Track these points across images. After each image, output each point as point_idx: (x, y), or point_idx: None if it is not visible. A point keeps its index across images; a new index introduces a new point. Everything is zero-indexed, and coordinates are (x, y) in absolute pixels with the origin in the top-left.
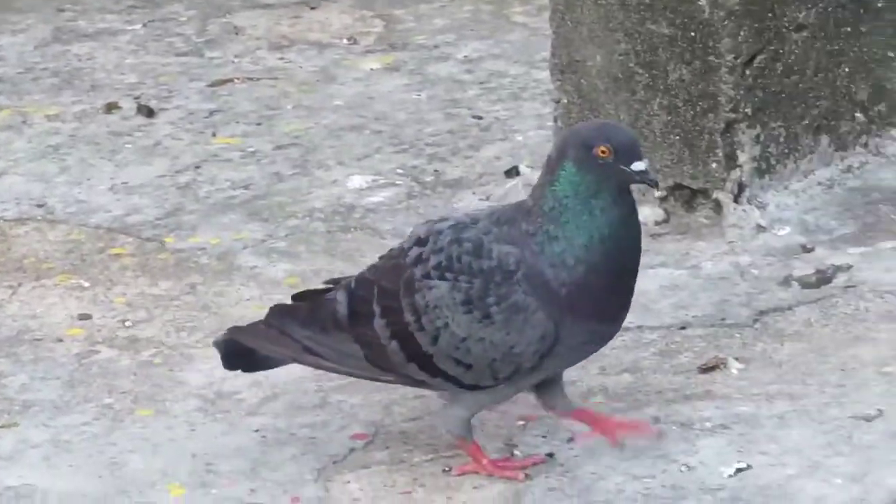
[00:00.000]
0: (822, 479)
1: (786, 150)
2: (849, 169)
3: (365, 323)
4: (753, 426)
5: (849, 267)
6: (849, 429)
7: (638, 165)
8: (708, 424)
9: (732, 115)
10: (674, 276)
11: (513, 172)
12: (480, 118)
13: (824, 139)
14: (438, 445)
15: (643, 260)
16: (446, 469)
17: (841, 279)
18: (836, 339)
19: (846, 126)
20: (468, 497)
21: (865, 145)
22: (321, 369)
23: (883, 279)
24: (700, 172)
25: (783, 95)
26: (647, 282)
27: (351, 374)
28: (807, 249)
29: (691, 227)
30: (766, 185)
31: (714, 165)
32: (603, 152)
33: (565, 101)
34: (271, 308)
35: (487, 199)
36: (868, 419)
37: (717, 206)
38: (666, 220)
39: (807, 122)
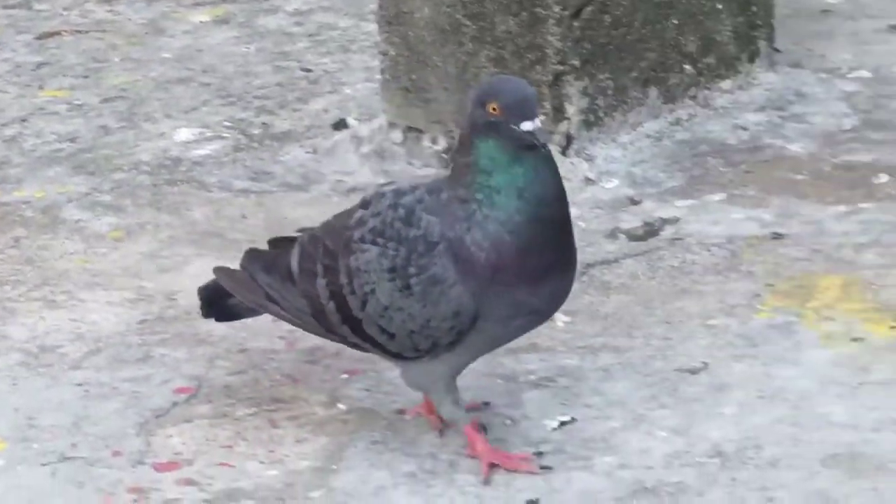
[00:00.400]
0: (646, 431)
1: (614, 103)
2: (677, 121)
3: (310, 280)
4: (578, 379)
5: (676, 220)
6: (673, 381)
7: (526, 125)
8: (532, 377)
9: (560, 68)
10: None
11: (341, 125)
12: (309, 71)
13: (653, 92)
14: (261, 399)
15: None
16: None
17: (668, 232)
18: (662, 292)
19: (675, 78)
20: (290, 451)
21: (694, 98)
22: (282, 320)
23: (709, 232)
24: None
25: (611, 48)
26: None
27: (304, 329)
28: (634, 202)
29: None
30: (594, 138)
31: (542, 118)
32: (493, 110)
33: (393, 53)
34: (246, 251)
35: (315, 152)
36: (693, 372)
37: None
38: None
39: (635, 74)
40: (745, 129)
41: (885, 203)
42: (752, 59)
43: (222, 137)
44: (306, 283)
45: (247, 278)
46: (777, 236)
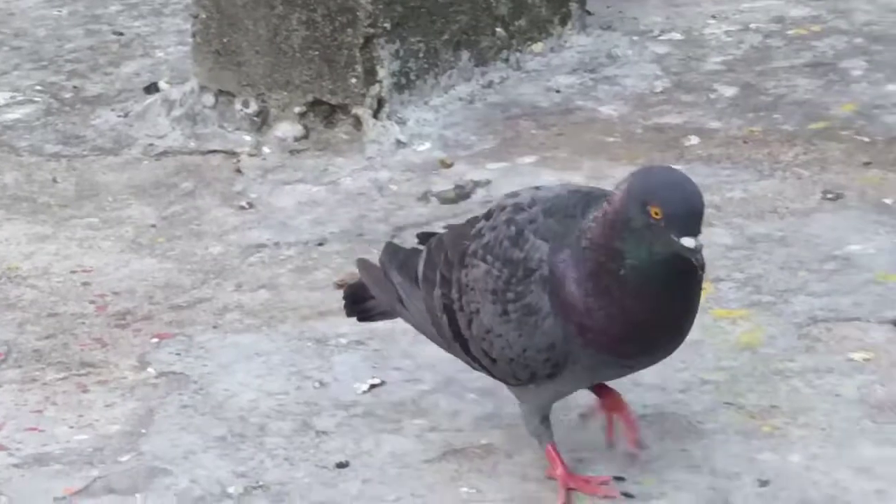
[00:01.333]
0: (456, 394)
1: (426, 66)
2: (489, 84)
3: (429, 289)
4: (388, 342)
5: (487, 182)
6: None
7: (688, 241)
8: (343, 341)
9: (371, 30)
10: (312, 192)
11: (152, 89)
12: (121, 34)
13: (465, 54)
14: (71, 364)
15: (281, 176)
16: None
17: (479, 194)
18: None
19: (487, 41)
20: (100, 415)
21: (506, 60)
22: (410, 324)
23: None
24: (339, 88)
25: (423, 10)
26: (285, 198)
27: (428, 338)
28: (446, 165)
29: (331, 143)
30: (406, 101)
31: (353, 81)
32: (655, 214)
33: (204, 16)
34: (386, 245)
35: (126, 115)
36: None
37: (357, 122)
38: (305, 136)
39: (447, 37)
40: (557, 91)
41: (694, 164)
42: (563, 22)
43: (33, 101)
44: (427, 290)
45: (381, 275)
46: None
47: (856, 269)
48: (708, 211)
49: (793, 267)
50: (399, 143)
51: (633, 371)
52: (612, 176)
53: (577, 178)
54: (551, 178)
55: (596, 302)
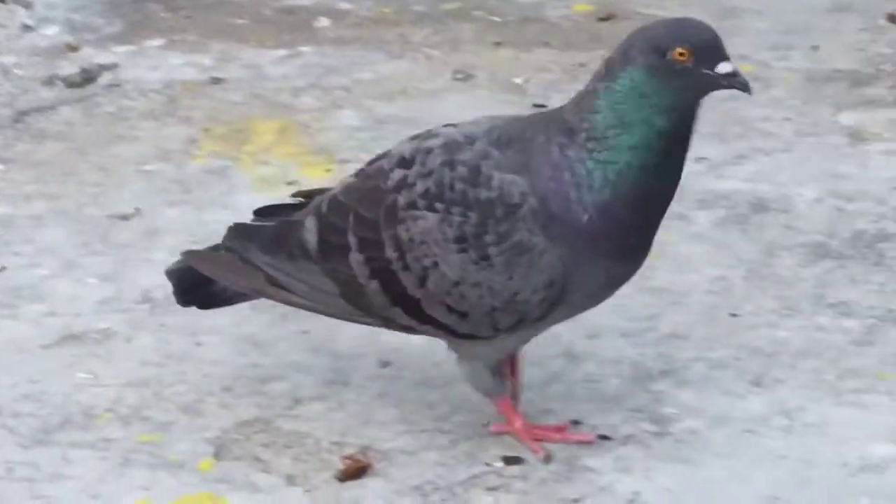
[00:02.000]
0: (76, 278)
1: None
2: None
3: (339, 256)
4: (9, 227)
5: (114, 66)
6: (105, 228)
7: (724, 67)
8: None
9: None
10: None
11: None
12: None
13: None
14: None
15: None
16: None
17: (105, 78)
18: (98, 139)
19: None
20: None
21: None
22: (290, 305)
23: (147, 77)
24: None
25: None
26: None
27: (326, 313)
28: (72, 48)
29: None
30: None
31: None
32: (681, 55)
33: None
34: (230, 228)
35: None
36: (125, 218)
37: None
38: None
39: None
40: None
41: (324, 46)
42: None
43: None
44: (334, 260)
45: (236, 261)
46: (216, 81)
47: None
48: (337, 93)
49: None
50: (25, 27)
51: (615, 289)
52: (240, 58)
53: (206, 61)
54: (179, 61)
55: (611, 193)
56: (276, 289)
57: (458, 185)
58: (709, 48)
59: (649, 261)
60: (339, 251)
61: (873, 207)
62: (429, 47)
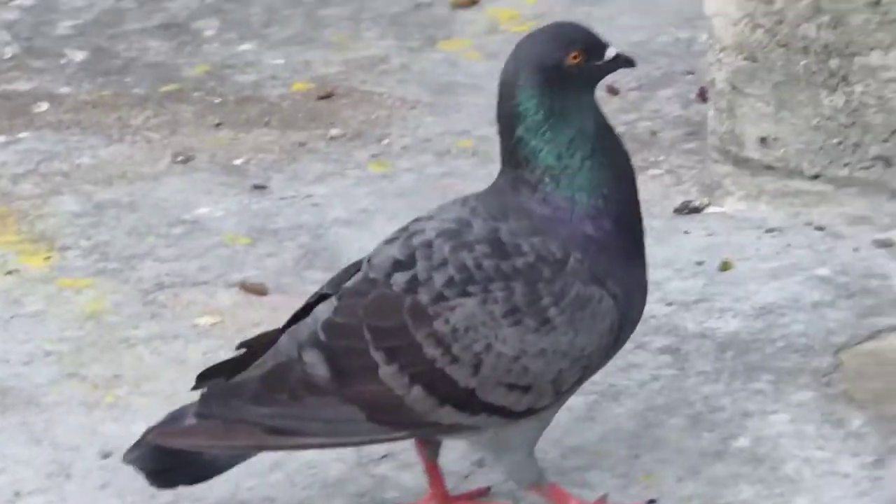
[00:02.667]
0: None
1: None
2: None
3: (363, 377)
4: None
5: None
6: None
7: (610, 52)
8: None
9: None
10: None
11: None
12: None
13: None
14: None
15: None
16: None
17: None
18: None
19: None
20: None
21: None
22: (296, 449)
23: None
24: None
25: None
26: None
27: (340, 444)
28: None
29: None
30: None
31: None
32: (575, 58)
33: None
34: (203, 394)
35: None
36: None
37: None
38: None
39: None
40: None
41: (43, 131)
42: None
43: None
44: (358, 383)
45: (220, 427)
46: None
47: (204, 232)
48: (56, 178)
49: (141, 232)
50: None
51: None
52: None
53: None
54: None
55: (602, 201)
56: (279, 437)
57: (486, 262)
58: (594, 42)
59: None
60: (363, 372)
61: None
62: (148, 130)
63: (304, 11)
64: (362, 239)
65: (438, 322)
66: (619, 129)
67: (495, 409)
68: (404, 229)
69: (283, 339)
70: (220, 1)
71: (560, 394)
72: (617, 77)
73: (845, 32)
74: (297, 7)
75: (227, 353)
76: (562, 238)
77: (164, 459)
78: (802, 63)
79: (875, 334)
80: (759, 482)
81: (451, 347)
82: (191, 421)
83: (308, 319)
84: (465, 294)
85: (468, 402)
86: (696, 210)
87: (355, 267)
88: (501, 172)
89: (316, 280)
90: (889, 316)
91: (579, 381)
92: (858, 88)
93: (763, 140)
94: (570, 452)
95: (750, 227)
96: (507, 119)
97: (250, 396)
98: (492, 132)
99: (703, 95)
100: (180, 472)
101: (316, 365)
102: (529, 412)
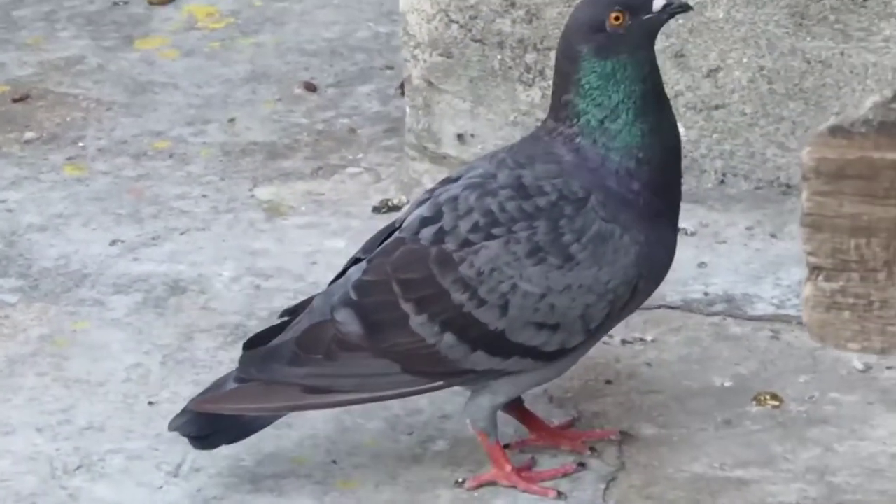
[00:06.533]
0: None
1: None
2: None
3: (395, 330)
4: None
5: None
6: None
7: (658, 3)
8: None
9: None
10: None
11: None
12: None
13: None
14: None
15: None
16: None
17: None
18: None
19: None
20: None
21: None
22: (333, 406)
23: None
24: None
25: None
26: None
27: (377, 399)
28: None
29: None
30: None
31: None
32: (617, 19)
33: None
34: (242, 359)
35: None
36: None
37: None
38: None
39: None
40: None
41: None
42: None
43: None
44: (390, 336)
45: (261, 389)
46: None
47: None
48: None
49: None
50: None
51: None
52: None
53: None
54: None
55: (635, 164)
56: (317, 395)
57: (510, 205)
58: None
59: (64, 349)
60: (394, 325)
61: (291, 284)
62: None
63: None
64: (58, 245)
65: (464, 266)
66: (318, 126)
67: (527, 351)
68: (432, 191)
69: (317, 300)
70: None
71: (590, 332)
72: (314, 73)
73: (540, 27)
74: None
75: None
76: (585, 179)
77: (206, 425)
78: (498, 58)
79: None
80: (458, 486)
81: (477, 291)
82: (231, 386)
83: (340, 281)
84: (490, 237)
85: (499, 344)
86: (396, 208)
87: (387, 231)
88: (544, 122)
89: (10, 288)
90: None
91: (609, 319)
92: None
93: (460, 136)
94: (265, 459)
95: None
96: (560, 77)
97: (287, 358)
98: (188, 132)
99: (403, 91)
100: (221, 434)
101: (349, 323)
102: (561, 353)
